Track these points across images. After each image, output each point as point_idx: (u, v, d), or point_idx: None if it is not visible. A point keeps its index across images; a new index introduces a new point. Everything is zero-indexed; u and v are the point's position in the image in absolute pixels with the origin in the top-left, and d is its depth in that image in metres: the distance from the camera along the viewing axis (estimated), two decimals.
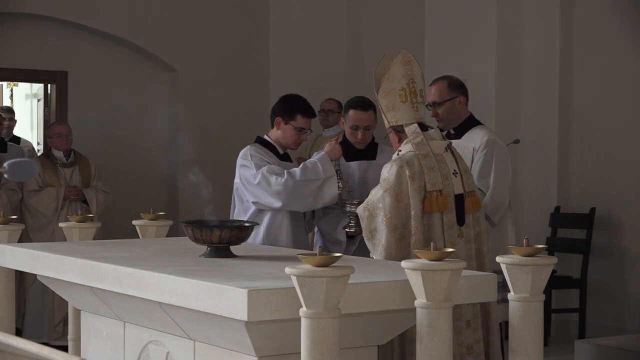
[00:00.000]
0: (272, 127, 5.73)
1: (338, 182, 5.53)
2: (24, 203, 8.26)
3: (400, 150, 4.89)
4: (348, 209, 5.50)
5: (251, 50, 10.36)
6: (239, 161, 5.64)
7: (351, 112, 5.68)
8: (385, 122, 4.98)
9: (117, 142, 9.78)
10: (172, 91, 10.07)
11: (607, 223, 8.27)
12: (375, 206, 4.77)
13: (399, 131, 4.95)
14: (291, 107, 5.69)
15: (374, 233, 4.78)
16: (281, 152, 5.72)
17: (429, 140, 4.86)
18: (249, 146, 5.69)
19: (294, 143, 5.70)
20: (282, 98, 5.83)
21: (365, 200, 4.87)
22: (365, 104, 5.72)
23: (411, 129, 4.88)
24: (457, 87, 5.78)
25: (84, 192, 8.36)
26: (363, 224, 4.83)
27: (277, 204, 5.47)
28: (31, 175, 3.20)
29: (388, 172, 4.79)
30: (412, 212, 4.71)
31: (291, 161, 5.82)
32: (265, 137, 5.74)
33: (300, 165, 5.55)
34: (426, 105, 5.46)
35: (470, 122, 5.78)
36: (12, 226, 5.58)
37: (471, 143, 5.70)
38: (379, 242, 4.75)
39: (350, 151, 5.75)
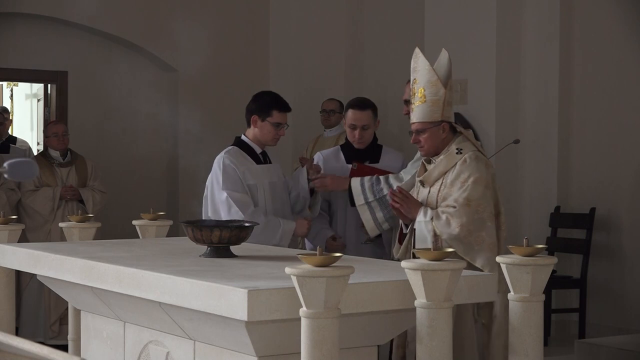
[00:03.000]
0: (249, 126, 5.70)
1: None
2: (21, 203, 8.26)
3: (462, 149, 4.87)
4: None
5: (251, 51, 10.36)
6: (213, 167, 5.59)
7: (349, 111, 5.72)
8: (438, 115, 4.89)
9: (117, 142, 9.78)
10: (172, 91, 10.07)
11: (607, 223, 8.27)
12: (479, 203, 4.75)
13: (451, 127, 4.93)
14: (266, 103, 5.66)
15: (472, 231, 4.71)
16: (259, 151, 5.69)
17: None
18: (223, 154, 5.62)
19: (273, 139, 5.67)
20: (256, 96, 5.79)
21: (465, 197, 4.75)
22: (363, 104, 5.72)
23: (467, 131, 4.99)
24: None
25: (80, 191, 8.34)
26: (461, 221, 4.71)
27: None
28: (31, 175, 3.19)
29: (476, 169, 4.78)
30: (502, 209, 4.83)
31: (270, 161, 5.75)
32: (243, 136, 5.72)
33: (266, 219, 5.46)
34: (404, 101, 5.43)
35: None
36: (12, 226, 5.57)
37: None
38: (482, 241, 4.69)
39: (352, 153, 5.76)
